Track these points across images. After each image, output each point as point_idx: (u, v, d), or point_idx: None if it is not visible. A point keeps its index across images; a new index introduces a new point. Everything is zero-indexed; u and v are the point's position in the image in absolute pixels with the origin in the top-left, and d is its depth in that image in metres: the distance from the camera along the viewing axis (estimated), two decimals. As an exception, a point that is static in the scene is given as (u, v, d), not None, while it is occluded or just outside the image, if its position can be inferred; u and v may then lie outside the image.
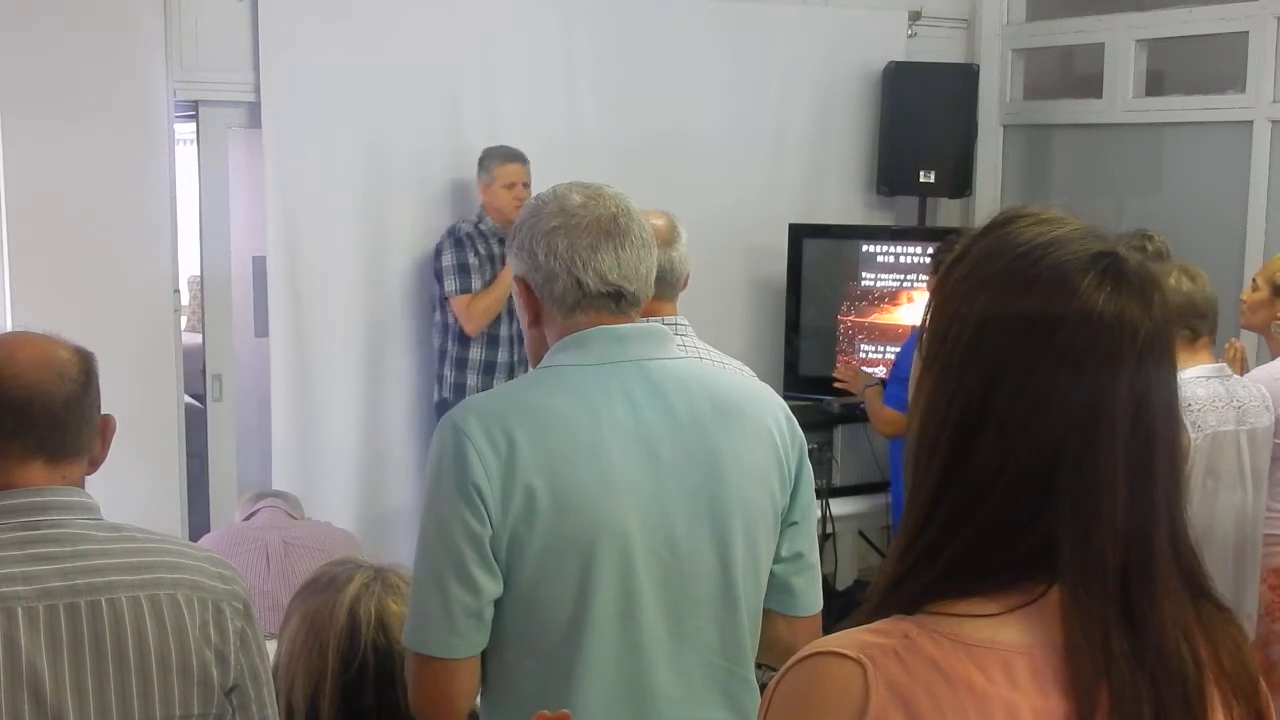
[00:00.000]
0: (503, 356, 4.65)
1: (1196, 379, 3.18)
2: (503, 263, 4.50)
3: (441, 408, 4.56)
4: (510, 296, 4.47)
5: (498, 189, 4.54)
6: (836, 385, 4.84)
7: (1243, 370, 3.83)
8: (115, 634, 1.65)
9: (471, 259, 4.54)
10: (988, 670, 1.00)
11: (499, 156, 4.57)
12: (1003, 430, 1.01)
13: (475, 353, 4.62)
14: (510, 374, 4.63)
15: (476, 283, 4.53)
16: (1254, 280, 3.83)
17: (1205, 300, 3.24)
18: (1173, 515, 1.04)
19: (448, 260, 4.54)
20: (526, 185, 4.53)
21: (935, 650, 1.00)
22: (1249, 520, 3.32)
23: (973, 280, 1.06)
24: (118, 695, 1.65)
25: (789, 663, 1.04)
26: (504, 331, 4.63)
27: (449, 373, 4.62)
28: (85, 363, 1.75)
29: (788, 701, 1.03)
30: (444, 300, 4.58)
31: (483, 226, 4.61)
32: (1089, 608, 1.00)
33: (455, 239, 4.56)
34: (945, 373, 1.05)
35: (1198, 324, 3.22)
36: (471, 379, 4.62)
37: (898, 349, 4.91)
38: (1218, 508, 3.19)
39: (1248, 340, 4.25)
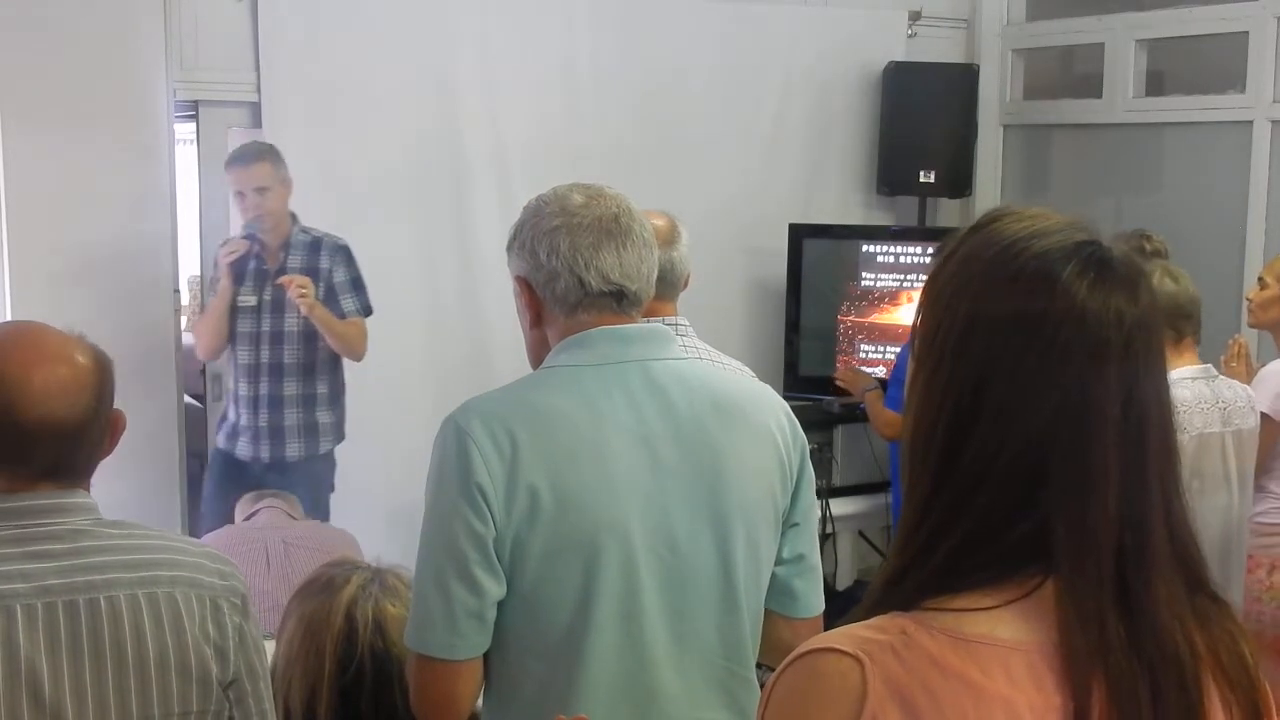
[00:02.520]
0: (244, 389, 4.14)
1: (1182, 380, 3.16)
2: (278, 273, 4.08)
3: (214, 459, 4.27)
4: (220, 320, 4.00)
5: (233, 197, 4.11)
6: (838, 385, 4.84)
7: (1247, 367, 3.81)
8: (114, 632, 1.65)
9: (215, 275, 4.17)
10: (985, 667, 1.01)
11: (228, 160, 4.09)
12: (994, 422, 1.03)
13: (245, 388, 4.15)
14: (251, 407, 4.13)
15: (210, 304, 4.19)
16: (1261, 278, 3.81)
17: (1190, 301, 3.22)
18: (1168, 501, 1.05)
19: None
20: (262, 190, 4.04)
21: (933, 646, 1.01)
22: (1235, 522, 3.30)
23: (959, 277, 1.07)
24: (116, 694, 1.64)
25: (787, 659, 1.05)
26: (246, 359, 4.12)
27: (230, 410, 4.26)
28: (100, 374, 1.71)
29: (786, 697, 1.04)
30: None
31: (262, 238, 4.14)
32: (1084, 592, 1.01)
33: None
34: (937, 369, 1.06)
35: (1182, 325, 3.20)
36: (235, 417, 4.19)
37: (898, 349, 4.91)
38: (1204, 509, 3.18)
39: (1249, 337, 4.24)
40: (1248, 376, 3.64)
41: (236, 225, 4.72)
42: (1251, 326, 3.94)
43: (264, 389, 4.12)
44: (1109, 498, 1.02)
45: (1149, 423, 1.04)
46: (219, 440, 4.25)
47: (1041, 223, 1.07)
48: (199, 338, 4.22)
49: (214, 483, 4.24)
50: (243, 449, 4.17)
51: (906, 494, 1.08)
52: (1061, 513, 1.02)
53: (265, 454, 4.16)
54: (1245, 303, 3.85)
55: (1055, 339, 1.02)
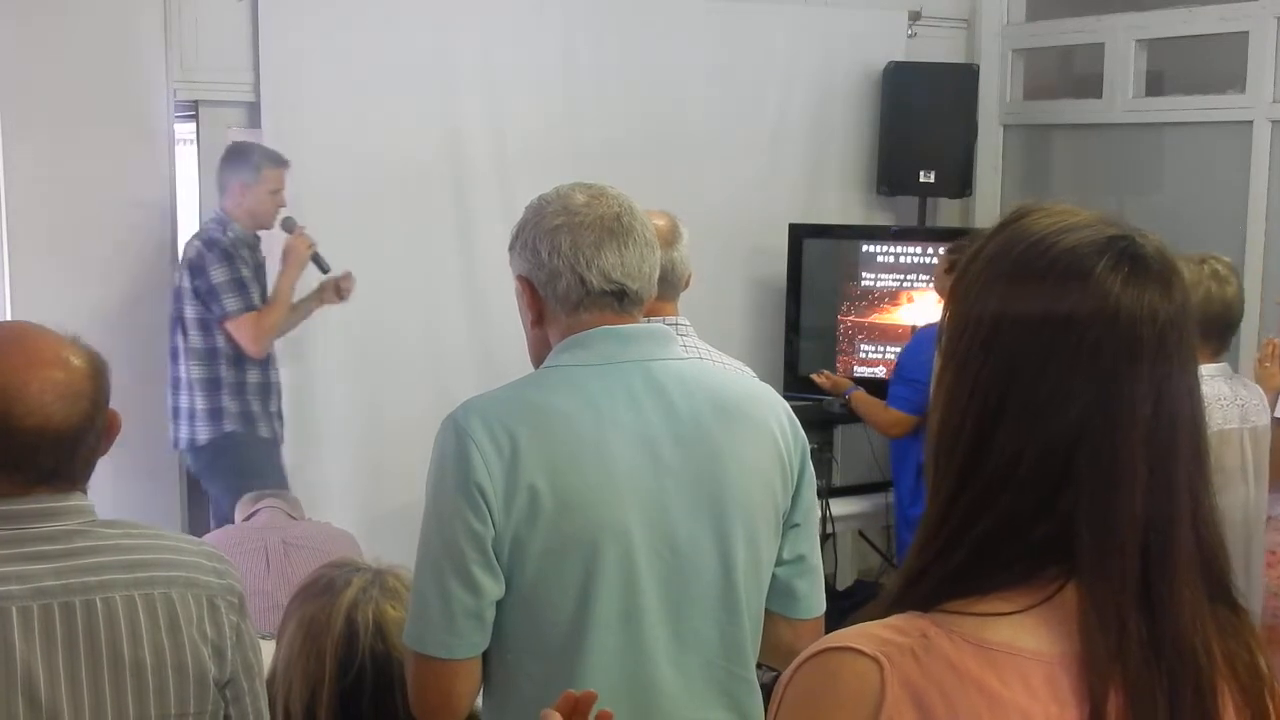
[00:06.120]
0: (254, 376, 4.28)
1: (1204, 377, 3.19)
2: (261, 272, 4.24)
3: (230, 441, 4.21)
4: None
5: (262, 193, 4.20)
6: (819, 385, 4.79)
7: None
8: (110, 633, 1.64)
9: (245, 272, 4.17)
10: (1004, 676, 0.99)
11: (269, 157, 4.22)
12: (1022, 420, 1.01)
13: (254, 375, 4.25)
14: (272, 394, 4.32)
15: (256, 298, 4.19)
16: None
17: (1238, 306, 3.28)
18: (1196, 502, 1.03)
19: (220, 276, 4.10)
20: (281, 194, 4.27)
21: (953, 652, 1.00)
22: (1253, 515, 3.37)
23: (989, 273, 1.06)
24: (113, 695, 1.64)
25: (804, 655, 1.03)
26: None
27: (230, 403, 4.21)
28: (96, 377, 1.70)
29: (802, 694, 1.02)
30: (198, 322, 4.17)
31: (231, 234, 4.19)
32: (1106, 593, 1.00)
33: (222, 251, 4.13)
34: (965, 365, 1.05)
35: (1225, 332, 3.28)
36: (255, 405, 4.27)
37: (898, 349, 4.90)
38: (1226, 504, 3.22)
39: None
40: None
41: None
42: None
43: (273, 376, 4.34)
44: (1136, 498, 1.00)
45: (1180, 422, 1.03)
46: (225, 425, 4.20)
47: (1071, 218, 1.06)
48: (268, 331, 4.22)
49: (238, 462, 4.22)
50: (266, 429, 4.33)
51: (930, 492, 1.07)
52: (1087, 512, 1.00)
53: (282, 433, 4.42)
54: (1275, 306, 3.85)
55: (1086, 336, 1.00)
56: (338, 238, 4.61)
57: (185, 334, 4.20)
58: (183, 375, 4.23)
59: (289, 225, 4.28)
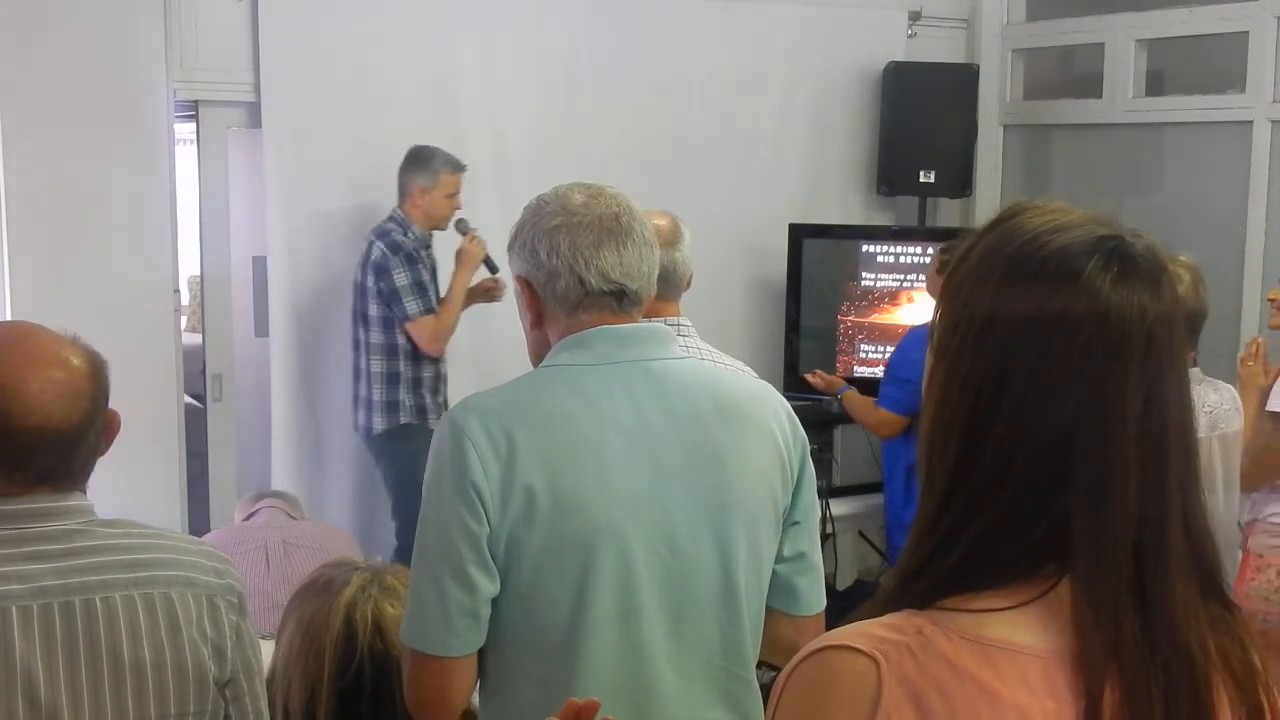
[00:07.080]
0: (427, 371, 4.48)
1: None
2: (435, 273, 4.43)
3: (405, 432, 4.38)
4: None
5: (440, 196, 4.39)
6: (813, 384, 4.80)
7: (1265, 367, 3.80)
8: (110, 633, 1.64)
9: (424, 275, 4.37)
10: (1002, 672, 1.00)
11: (449, 163, 4.40)
12: (1014, 419, 1.02)
13: (428, 371, 4.45)
14: (441, 385, 4.50)
15: (434, 299, 4.40)
16: None
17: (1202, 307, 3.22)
18: (1187, 500, 1.04)
19: (403, 280, 4.31)
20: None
21: (949, 648, 1.00)
22: (1224, 525, 3.32)
23: (981, 271, 1.07)
24: (113, 695, 1.64)
25: (801, 654, 1.04)
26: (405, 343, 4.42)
27: (405, 397, 4.40)
28: (95, 377, 1.70)
29: (799, 693, 1.03)
30: (380, 320, 4.36)
31: (412, 236, 4.39)
32: (1100, 590, 1.00)
33: (406, 255, 4.32)
34: (957, 362, 1.05)
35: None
36: (428, 398, 4.45)
37: (897, 349, 4.91)
38: None
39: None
40: (1265, 377, 3.63)
41: (239, 226, 4.76)
42: (1274, 328, 3.89)
43: (443, 368, 4.52)
44: (1129, 494, 1.01)
45: (1169, 421, 1.03)
46: (400, 418, 4.39)
47: (1062, 217, 1.06)
48: (445, 333, 4.40)
49: (410, 452, 4.33)
50: (436, 419, 4.41)
51: (923, 489, 1.07)
52: (1080, 509, 1.01)
53: None
54: (1268, 304, 3.81)
55: (1076, 335, 1.01)
56: (336, 239, 4.62)
57: (367, 329, 4.40)
58: (363, 366, 4.44)
59: (463, 227, 4.47)
